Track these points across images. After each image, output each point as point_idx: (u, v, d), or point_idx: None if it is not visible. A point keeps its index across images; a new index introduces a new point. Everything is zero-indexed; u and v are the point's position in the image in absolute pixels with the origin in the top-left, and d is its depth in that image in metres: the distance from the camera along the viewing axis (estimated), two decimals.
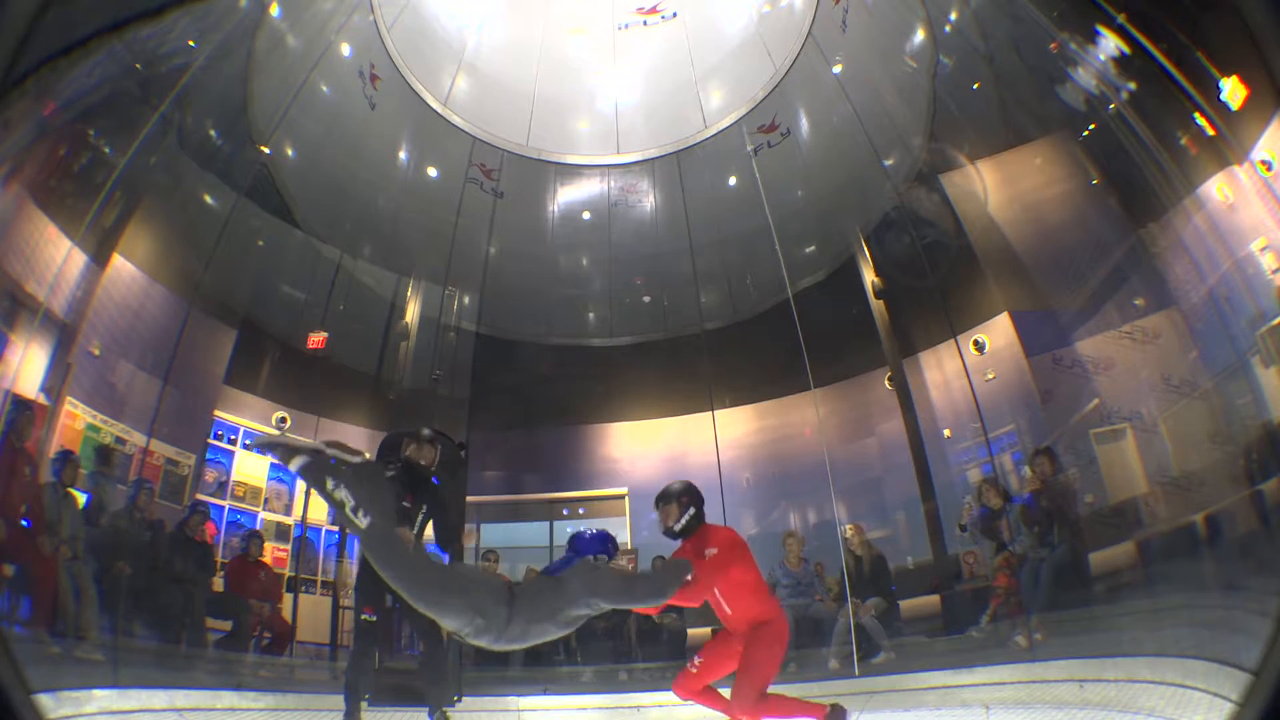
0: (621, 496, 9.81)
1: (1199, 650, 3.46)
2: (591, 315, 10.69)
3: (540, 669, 7.01)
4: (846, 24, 8.28)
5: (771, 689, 3.54)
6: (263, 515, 8.09)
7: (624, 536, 9.51)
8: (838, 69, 8.61)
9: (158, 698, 4.38)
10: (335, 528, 8.23)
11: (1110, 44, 5.40)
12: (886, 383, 8.68)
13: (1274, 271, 4.74)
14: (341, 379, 8.93)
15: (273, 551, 7.78)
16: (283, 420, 8.33)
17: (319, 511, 8.35)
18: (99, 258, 6.18)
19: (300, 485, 8.43)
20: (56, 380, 5.76)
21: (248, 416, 8.15)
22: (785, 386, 9.26)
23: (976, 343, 7.93)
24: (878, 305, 8.45)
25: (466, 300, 9.75)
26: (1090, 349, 6.57)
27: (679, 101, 9.82)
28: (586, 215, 10.30)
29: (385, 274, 9.44)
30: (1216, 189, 5.04)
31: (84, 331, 6.09)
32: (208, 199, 7.56)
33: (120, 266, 6.49)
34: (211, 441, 7.73)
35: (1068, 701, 4.07)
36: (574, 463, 10.25)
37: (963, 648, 6.00)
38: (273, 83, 7.65)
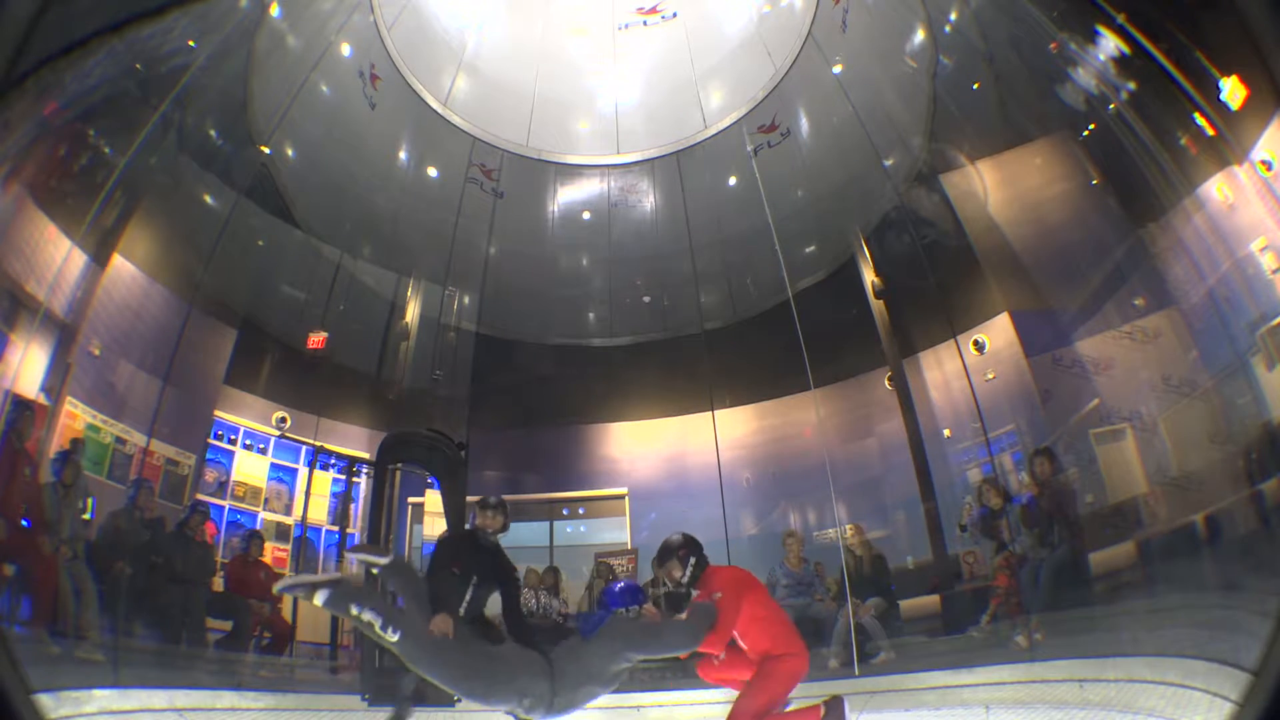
0: (621, 496, 9.80)
1: (1199, 650, 3.45)
2: (591, 315, 10.68)
3: None
4: (846, 24, 8.29)
5: None
6: (263, 515, 8.11)
7: (623, 536, 9.51)
8: (838, 69, 8.61)
9: (158, 698, 4.38)
10: (335, 528, 8.23)
11: (1110, 44, 5.40)
12: (886, 383, 8.68)
13: (1274, 271, 4.73)
14: (341, 379, 8.93)
15: (273, 551, 7.79)
16: (283, 420, 8.33)
17: (319, 511, 8.36)
18: (99, 258, 6.17)
19: (300, 485, 8.44)
20: (57, 380, 5.75)
21: (248, 416, 8.16)
22: (785, 386, 9.25)
23: (976, 343, 7.93)
24: (878, 305, 8.43)
25: (466, 300, 9.74)
26: (1090, 349, 6.55)
27: (679, 101, 9.83)
28: (586, 215, 10.31)
29: (385, 274, 9.44)
30: (1216, 189, 5.04)
31: (84, 331, 6.09)
32: (208, 199, 7.55)
33: (120, 266, 6.48)
34: (211, 441, 7.74)
35: (1068, 701, 4.07)
36: (574, 463, 10.23)
37: (963, 648, 6.00)
38: (273, 83, 7.66)
